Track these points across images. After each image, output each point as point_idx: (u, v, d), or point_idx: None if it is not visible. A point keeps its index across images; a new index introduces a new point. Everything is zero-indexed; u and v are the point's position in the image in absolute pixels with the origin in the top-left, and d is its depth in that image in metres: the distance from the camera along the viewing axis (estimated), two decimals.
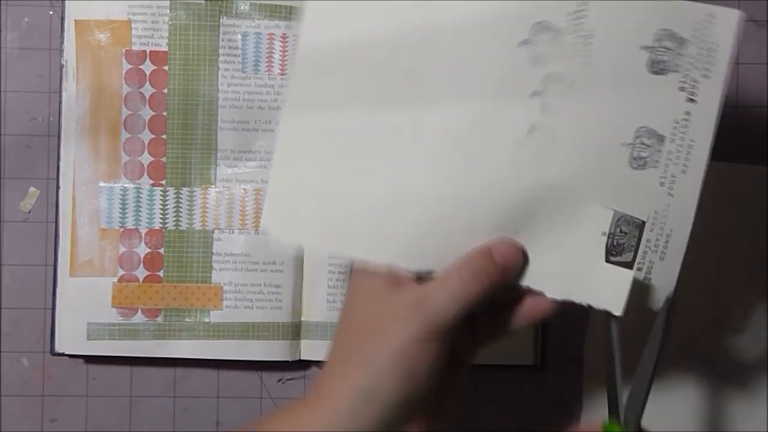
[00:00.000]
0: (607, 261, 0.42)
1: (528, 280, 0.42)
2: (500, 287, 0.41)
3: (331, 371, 0.41)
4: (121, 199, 0.57)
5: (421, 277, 0.41)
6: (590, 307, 0.42)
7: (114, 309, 0.57)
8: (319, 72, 0.43)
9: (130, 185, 0.57)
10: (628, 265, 0.42)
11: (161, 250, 0.57)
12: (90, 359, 0.58)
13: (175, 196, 0.57)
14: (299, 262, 0.58)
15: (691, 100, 0.42)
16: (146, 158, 0.57)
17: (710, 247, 0.58)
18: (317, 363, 0.58)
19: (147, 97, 0.57)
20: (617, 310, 0.41)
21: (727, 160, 0.59)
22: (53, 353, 0.57)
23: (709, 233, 0.59)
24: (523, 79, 0.41)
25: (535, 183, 0.41)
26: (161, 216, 0.57)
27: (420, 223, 0.42)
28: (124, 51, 0.57)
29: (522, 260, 0.41)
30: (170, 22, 0.57)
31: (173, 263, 0.57)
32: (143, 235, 0.57)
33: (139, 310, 0.57)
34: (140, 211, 0.57)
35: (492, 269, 0.40)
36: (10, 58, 0.59)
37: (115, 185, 0.57)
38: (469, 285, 0.40)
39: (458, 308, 0.39)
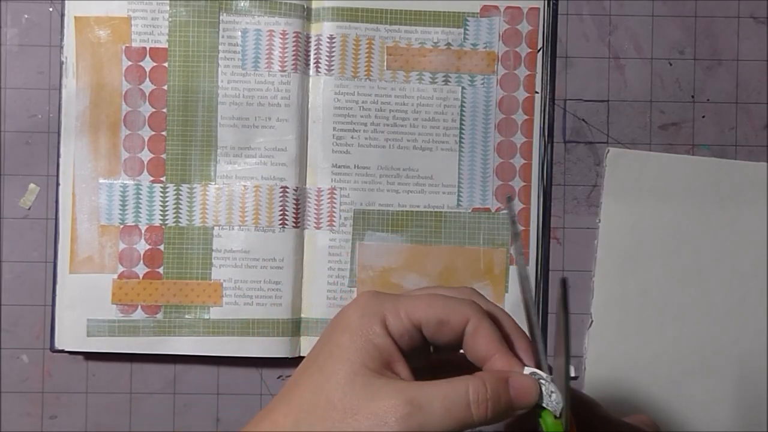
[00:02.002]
0: None
1: None
2: (501, 419, 0.36)
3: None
4: (121, 195, 0.57)
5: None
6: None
7: (114, 306, 0.57)
8: None
9: (130, 182, 0.57)
10: None
11: (161, 247, 0.57)
12: (90, 356, 0.58)
13: (175, 192, 0.57)
14: (299, 258, 0.58)
15: None
16: (146, 155, 0.57)
17: (710, 244, 0.58)
18: None
19: (147, 94, 0.57)
20: None
21: (726, 156, 0.59)
22: (53, 350, 0.57)
23: (709, 230, 0.59)
24: None
25: None
26: (161, 213, 0.57)
27: None
28: (123, 48, 0.57)
29: (535, 401, 0.36)
30: (170, 19, 0.57)
31: (173, 260, 0.57)
32: (143, 232, 0.57)
33: (139, 307, 0.57)
34: (140, 208, 0.57)
35: (502, 400, 0.35)
36: (10, 54, 0.59)
37: (115, 182, 0.57)
38: (470, 408, 0.35)
39: (450, 429, 0.34)
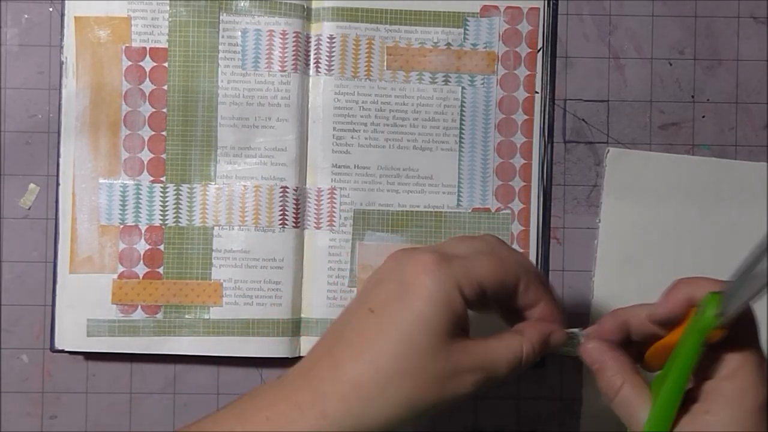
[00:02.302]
0: None
1: None
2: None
3: (330, 365, 0.39)
4: (121, 195, 0.57)
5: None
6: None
7: (114, 306, 0.57)
8: None
9: (130, 182, 0.57)
10: None
11: (161, 247, 0.57)
12: (90, 356, 0.58)
13: (175, 192, 0.57)
14: (299, 258, 0.58)
15: None
16: (146, 155, 0.57)
17: (710, 244, 0.58)
18: None
19: (147, 94, 0.57)
20: None
21: (726, 156, 0.59)
22: (53, 350, 0.57)
23: (709, 230, 0.59)
24: None
25: None
26: (161, 212, 0.57)
27: None
28: (123, 48, 0.57)
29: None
30: (170, 19, 0.57)
31: (173, 260, 0.57)
32: (143, 232, 0.57)
33: (139, 307, 0.57)
34: (140, 208, 0.57)
35: (543, 352, 0.42)
36: (9, 54, 0.59)
37: (115, 182, 0.57)
38: (522, 361, 0.41)
39: (512, 374, 0.40)
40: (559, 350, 0.44)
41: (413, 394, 0.38)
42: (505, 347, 0.40)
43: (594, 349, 0.42)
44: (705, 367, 0.39)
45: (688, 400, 0.39)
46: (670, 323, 0.40)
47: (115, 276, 0.57)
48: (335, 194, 0.58)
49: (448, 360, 0.38)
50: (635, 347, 0.43)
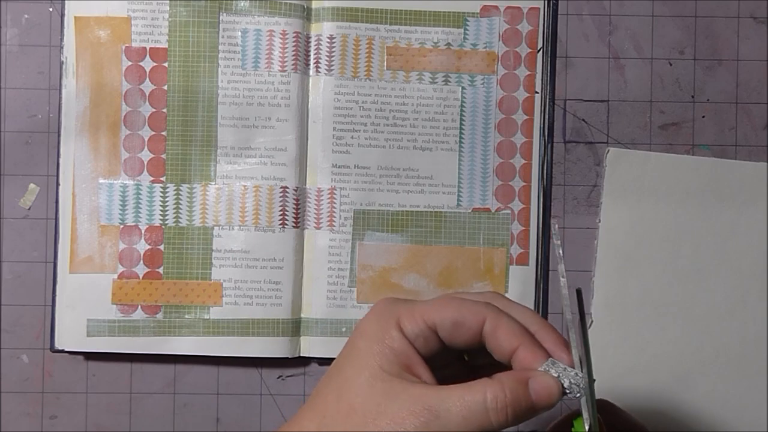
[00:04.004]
0: None
1: None
2: (524, 420, 0.36)
3: None
4: (120, 195, 0.57)
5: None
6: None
7: (114, 306, 0.57)
8: None
9: (130, 182, 0.57)
10: None
11: (161, 247, 0.57)
12: (90, 356, 0.58)
13: (175, 192, 0.57)
14: (299, 258, 0.58)
15: None
16: (146, 155, 0.57)
17: (710, 244, 0.58)
18: (317, 360, 0.58)
19: (147, 94, 0.57)
20: None
21: (726, 156, 0.59)
22: (53, 350, 0.57)
23: (709, 230, 0.59)
24: None
25: None
26: (161, 212, 0.57)
27: None
28: (123, 48, 0.57)
29: (557, 400, 0.36)
30: (170, 19, 0.57)
31: (173, 260, 0.57)
32: (143, 232, 0.57)
33: (139, 307, 0.57)
34: (140, 208, 0.57)
35: (522, 404, 0.35)
36: (9, 55, 0.59)
37: (114, 182, 0.57)
38: (488, 414, 0.34)
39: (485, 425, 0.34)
40: (564, 398, 0.37)
41: (362, 427, 0.35)
42: (460, 392, 0.35)
43: None
44: None
45: None
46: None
47: (115, 276, 0.57)
48: (335, 194, 0.58)
49: (384, 397, 0.35)
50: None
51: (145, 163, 0.57)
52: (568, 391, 0.36)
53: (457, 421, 0.34)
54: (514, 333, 0.37)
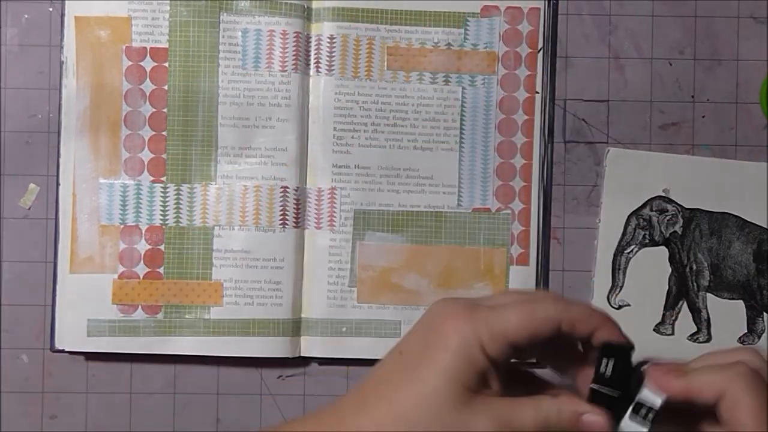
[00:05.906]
0: None
1: None
2: None
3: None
4: (121, 195, 0.57)
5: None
6: None
7: (114, 306, 0.57)
8: None
9: (130, 182, 0.57)
10: None
11: (161, 247, 0.57)
12: (90, 356, 0.58)
13: (176, 192, 0.57)
14: (299, 258, 0.58)
15: None
16: (146, 155, 0.57)
17: (710, 244, 0.58)
18: (317, 360, 0.58)
19: (147, 94, 0.57)
20: None
21: (726, 157, 0.59)
22: (53, 350, 0.57)
23: (709, 230, 0.59)
24: None
25: None
26: (161, 212, 0.57)
27: None
28: (124, 48, 0.57)
29: None
30: (170, 19, 0.57)
31: (173, 260, 0.57)
32: (143, 232, 0.57)
33: (140, 307, 0.57)
34: (140, 208, 0.57)
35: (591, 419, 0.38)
36: (10, 54, 0.58)
37: (115, 182, 0.57)
38: (560, 419, 0.38)
39: None
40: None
41: None
42: (533, 405, 0.38)
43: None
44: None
45: None
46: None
47: (116, 276, 0.57)
48: (335, 194, 0.58)
49: (466, 412, 0.38)
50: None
51: (146, 163, 0.57)
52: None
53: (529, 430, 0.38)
54: (594, 319, 0.40)
